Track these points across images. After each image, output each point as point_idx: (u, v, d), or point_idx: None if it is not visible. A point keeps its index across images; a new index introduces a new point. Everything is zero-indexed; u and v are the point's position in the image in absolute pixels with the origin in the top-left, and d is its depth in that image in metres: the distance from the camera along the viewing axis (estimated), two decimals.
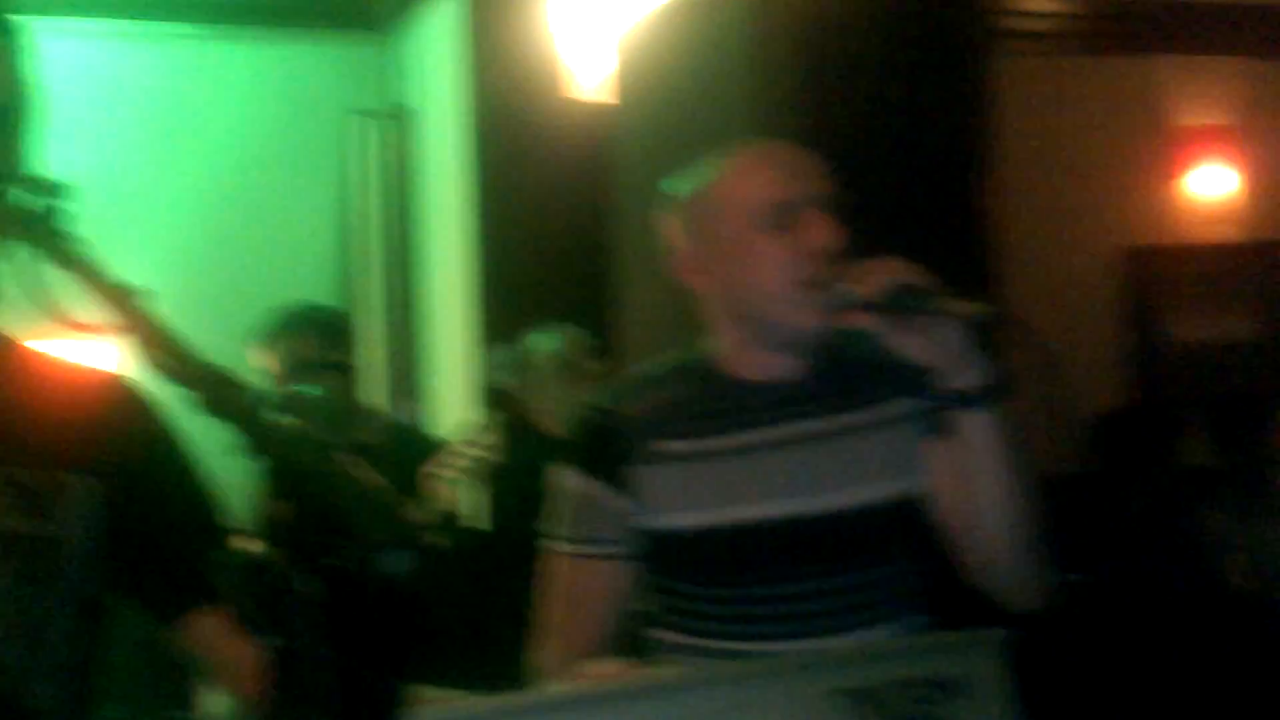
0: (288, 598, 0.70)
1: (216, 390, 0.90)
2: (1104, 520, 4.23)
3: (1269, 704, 3.89)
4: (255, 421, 0.84)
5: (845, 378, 1.73)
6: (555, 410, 3.32)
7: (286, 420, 0.83)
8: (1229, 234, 5.51)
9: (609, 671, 1.49)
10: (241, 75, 4.74)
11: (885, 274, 1.57)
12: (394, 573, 0.71)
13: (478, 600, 2.77)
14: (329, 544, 0.71)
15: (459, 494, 2.75)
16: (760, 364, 1.72)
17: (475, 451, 2.73)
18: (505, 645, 2.61)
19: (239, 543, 0.76)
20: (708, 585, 1.69)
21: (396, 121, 4.61)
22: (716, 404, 1.72)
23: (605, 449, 1.72)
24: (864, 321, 1.60)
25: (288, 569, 0.71)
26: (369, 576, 0.70)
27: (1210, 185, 5.49)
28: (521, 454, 3.31)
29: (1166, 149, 5.49)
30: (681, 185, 1.75)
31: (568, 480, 1.75)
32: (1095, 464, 4.40)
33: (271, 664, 0.74)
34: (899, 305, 1.56)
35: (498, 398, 3.59)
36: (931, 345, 1.57)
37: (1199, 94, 5.50)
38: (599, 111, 3.95)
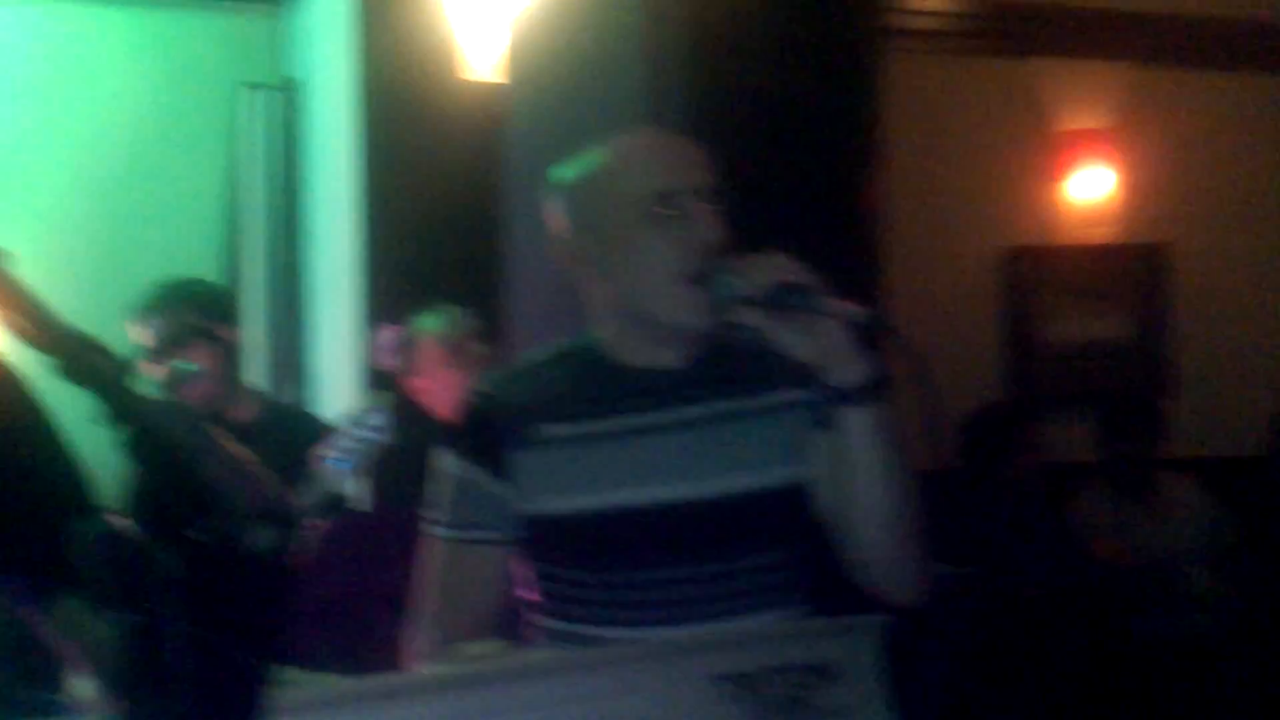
0: (148, 572, 0.68)
1: (78, 356, 0.87)
2: (974, 515, 4.32)
3: (1134, 688, 4.01)
4: (118, 389, 0.81)
5: (730, 366, 1.74)
6: (440, 393, 3.29)
7: (154, 390, 0.81)
8: (1106, 236, 5.65)
9: (484, 654, 1.48)
10: (128, 43, 4.62)
11: (769, 270, 1.58)
12: (260, 548, 0.69)
13: (357, 583, 2.74)
14: (193, 517, 0.69)
15: (346, 478, 2.71)
16: (644, 351, 1.72)
17: (364, 434, 2.69)
18: (383, 629, 2.58)
19: (103, 516, 0.74)
20: (589, 570, 1.69)
21: (286, 95, 4.52)
22: (599, 389, 1.71)
23: (486, 434, 1.71)
24: (746, 317, 1.61)
25: (149, 542, 0.69)
26: (234, 551, 0.69)
27: (1089, 188, 5.62)
28: (406, 437, 3.27)
29: (1047, 151, 5.61)
30: (566, 172, 1.74)
31: (448, 465, 1.74)
32: (964, 460, 4.49)
33: (130, 640, 0.72)
34: (782, 302, 1.57)
35: (383, 380, 3.54)
36: (813, 342, 1.58)
37: (1079, 97, 5.63)
38: (492, 92, 3.92)
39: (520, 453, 1.69)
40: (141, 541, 0.70)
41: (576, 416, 1.70)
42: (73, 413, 1.16)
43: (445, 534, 1.73)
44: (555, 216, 1.74)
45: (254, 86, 4.54)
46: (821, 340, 1.58)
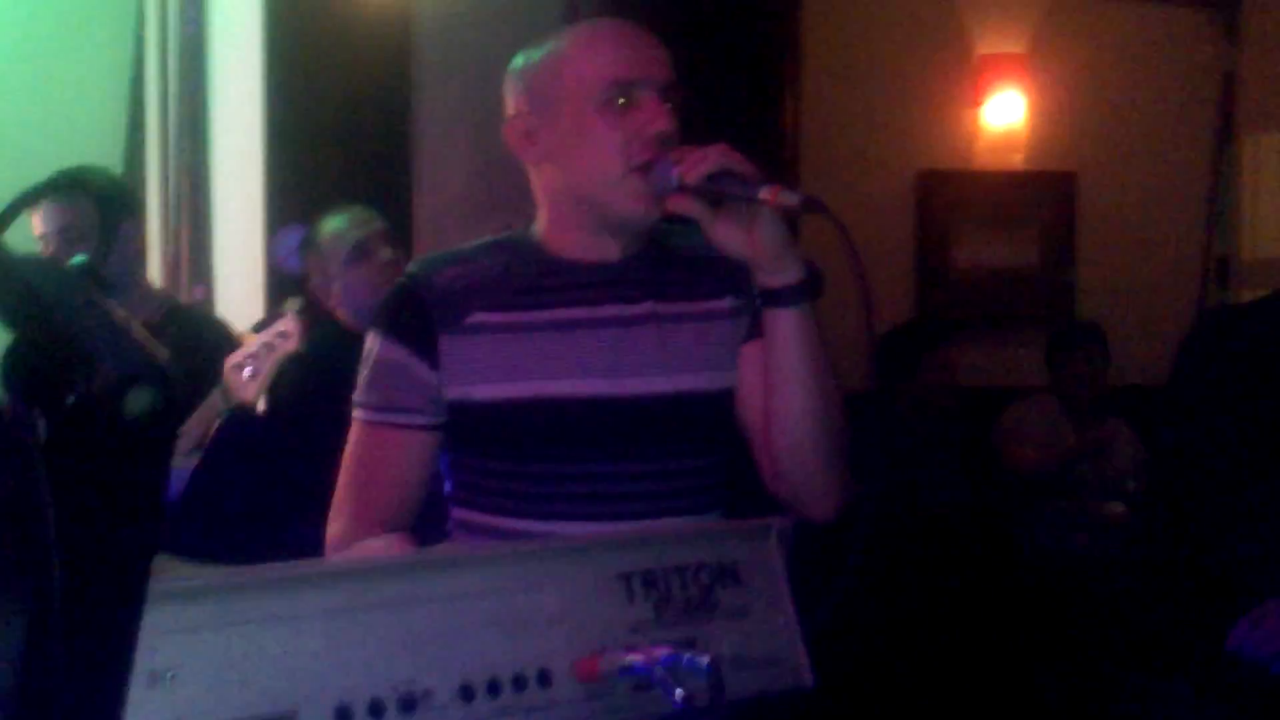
0: (14, 440, 0.64)
1: None
2: (882, 434, 4.36)
3: (1029, 605, 4.10)
4: None
5: (673, 267, 1.73)
6: (343, 296, 3.21)
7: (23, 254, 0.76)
8: (1016, 162, 5.68)
9: (388, 545, 1.46)
10: None
11: (709, 159, 1.57)
12: (140, 411, 0.65)
13: (254, 482, 2.70)
14: (68, 380, 0.65)
15: (256, 385, 2.66)
16: (585, 244, 1.71)
17: (272, 342, 2.64)
18: (280, 528, 2.54)
19: None
20: (510, 461, 1.68)
21: None
22: (535, 279, 1.70)
23: (415, 317, 1.69)
24: (685, 206, 1.60)
25: (13, 406, 0.64)
26: (112, 416, 0.64)
27: (1002, 113, 5.64)
28: (309, 340, 3.21)
29: (963, 75, 5.61)
30: (527, 54, 1.73)
31: (376, 346, 1.72)
32: (876, 379, 4.52)
33: None
34: (720, 190, 1.57)
35: (287, 282, 3.47)
36: (750, 237, 1.58)
37: (997, 22, 5.62)
38: None
39: (449, 338, 1.67)
40: (9, 407, 0.66)
41: (508, 305, 1.68)
42: None
43: (369, 416, 1.71)
44: (511, 98, 1.74)
45: None
46: (758, 234, 1.58)
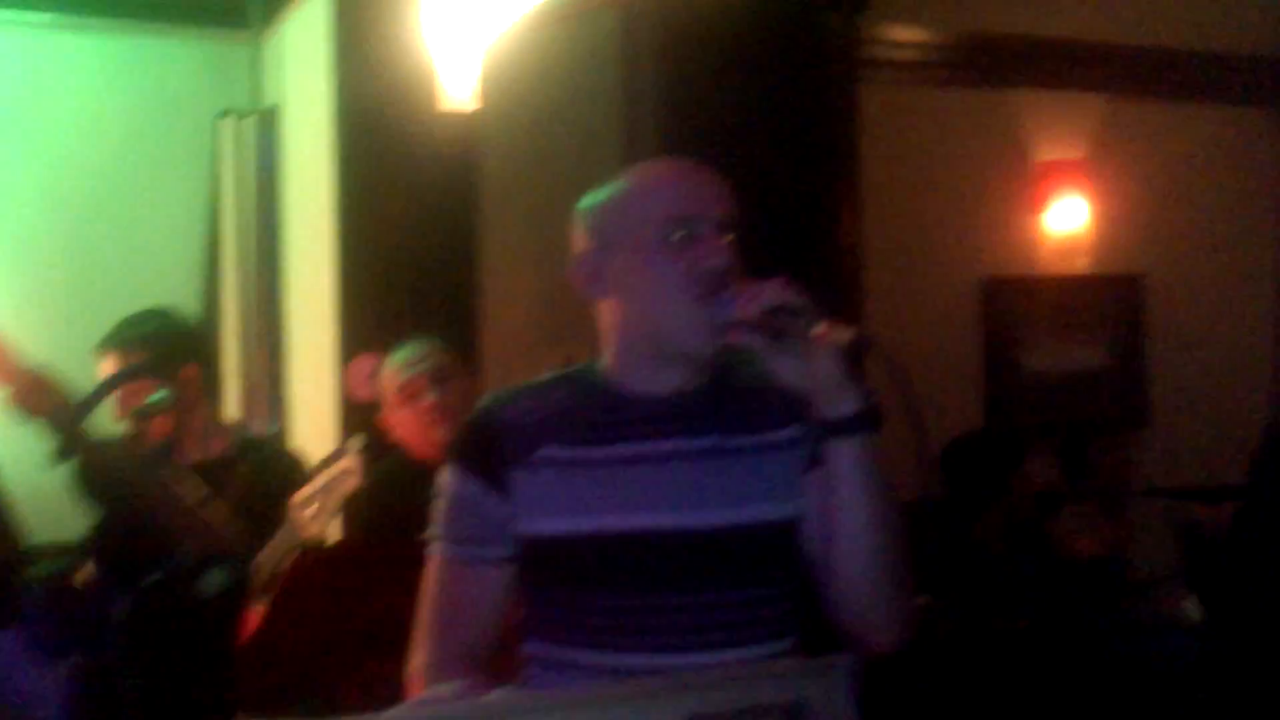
0: (97, 616, 0.66)
1: (33, 392, 0.86)
2: (952, 544, 4.31)
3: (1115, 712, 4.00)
4: (69, 427, 0.80)
5: (735, 400, 1.76)
6: (407, 427, 3.24)
7: (116, 426, 0.78)
8: (1080, 266, 5.67)
9: (455, 694, 1.46)
10: (104, 69, 4.59)
11: (765, 294, 1.61)
12: (211, 592, 0.67)
13: (327, 617, 2.71)
14: (147, 558, 0.67)
15: (324, 523, 2.69)
16: (650, 378, 1.75)
17: (336, 477, 2.67)
18: (355, 662, 2.55)
19: (45, 561, 0.72)
20: (581, 594, 1.70)
21: (263, 123, 4.51)
22: (602, 414, 1.74)
23: (489, 450, 1.73)
24: (743, 340, 1.64)
25: (100, 586, 0.67)
26: (185, 595, 0.67)
27: (1064, 219, 5.65)
28: (377, 472, 3.23)
29: (1024, 182, 5.63)
30: (594, 194, 1.79)
31: (450, 480, 1.76)
32: (944, 489, 4.48)
33: (76, 685, 0.70)
34: (776, 325, 1.61)
35: (360, 412, 3.51)
36: (807, 370, 1.61)
37: (1054, 128, 5.66)
38: (468, 121, 3.92)
39: (520, 471, 1.71)
40: (90, 585, 0.68)
41: (578, 440, 1.72)
42: (28, 449, 1.14)
43: (445, 551, 1.75)
44: (577, 237, 1.80)
45: (232, 114, 4.52)
46: (816, 368, 1.60)
